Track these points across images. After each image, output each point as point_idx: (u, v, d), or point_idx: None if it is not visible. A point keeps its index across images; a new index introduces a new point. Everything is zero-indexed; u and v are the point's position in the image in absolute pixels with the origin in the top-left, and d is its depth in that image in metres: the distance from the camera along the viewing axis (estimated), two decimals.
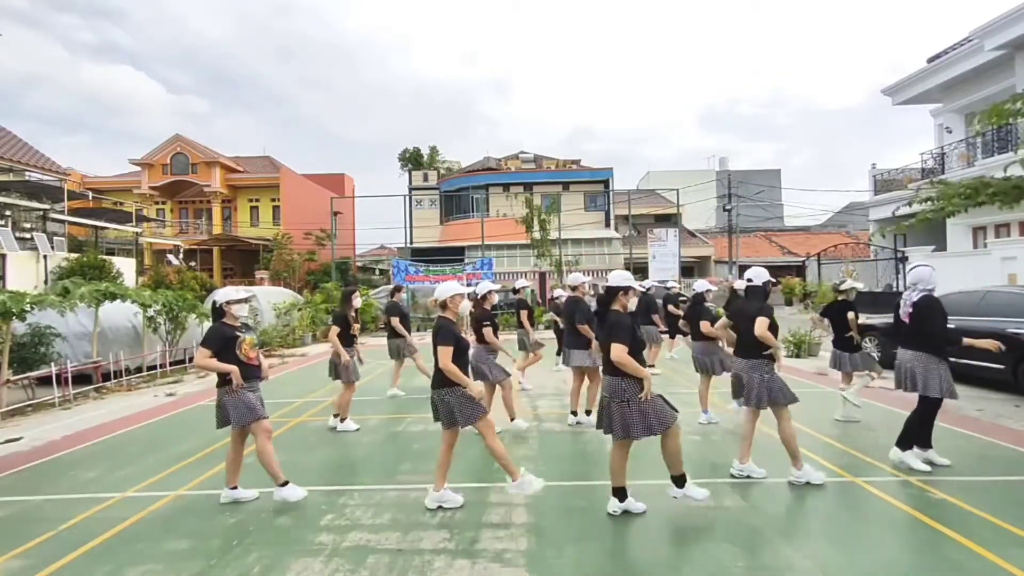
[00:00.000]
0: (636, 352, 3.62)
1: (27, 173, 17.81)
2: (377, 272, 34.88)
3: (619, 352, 3.54)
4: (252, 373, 4.16)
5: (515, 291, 8.74)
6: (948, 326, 4.50)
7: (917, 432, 4.64)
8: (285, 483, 4.15)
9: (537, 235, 21.45)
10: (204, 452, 5.49)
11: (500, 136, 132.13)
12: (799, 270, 29.01)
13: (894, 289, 18.11)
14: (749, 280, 4.55)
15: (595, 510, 3.89)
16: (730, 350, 7.45)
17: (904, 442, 4.58)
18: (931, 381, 4.42)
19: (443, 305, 4.07)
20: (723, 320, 4.81)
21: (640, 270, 24.05)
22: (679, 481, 3.81)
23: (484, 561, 3.18)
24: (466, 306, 4.21)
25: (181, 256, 26.88)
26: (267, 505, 4.09)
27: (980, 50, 15.18)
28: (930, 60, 17.70)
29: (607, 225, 30.41)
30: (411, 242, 28.50)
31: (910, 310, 4.53)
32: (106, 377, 9.42)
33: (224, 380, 4.08)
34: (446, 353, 3.83)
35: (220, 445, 5.68)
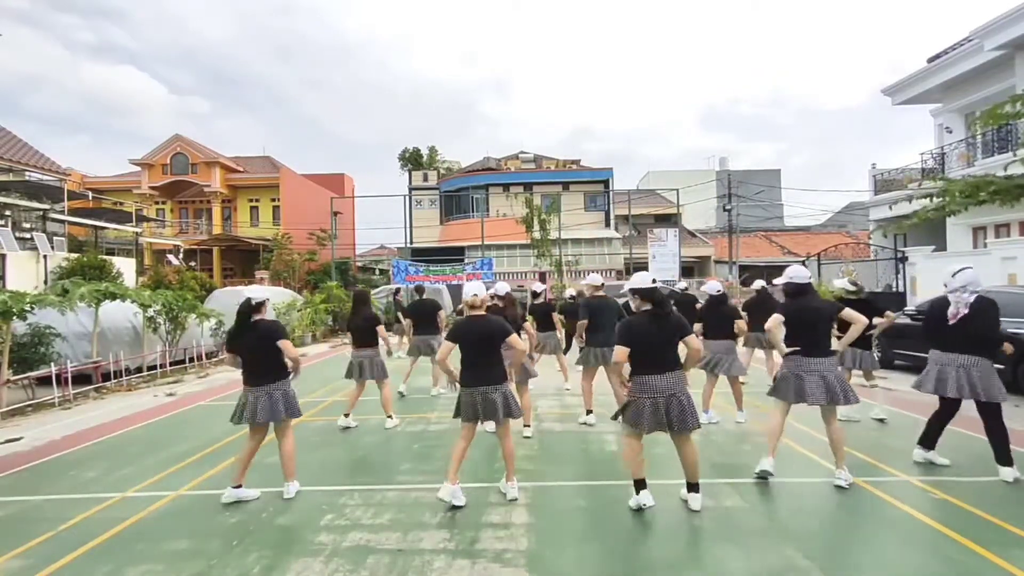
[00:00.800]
0: None
1: (27, 173, 17.82)
2: (377, 272, 34.87)
3: (699, 344, 3.87)
4: None
5: (535, 294, 8.84)
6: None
7: (934, 432, 4.65)
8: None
9: (537, 235, 21.47)
10: (204, 452, 5.49)
11: (500, 136, 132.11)
12: None
13: (894, 289, 18.10)
14: (809, 278, 4.49)
15: (595, 510, 3.89)
16: (744, 350, 7.35)
17: (1005, 458, 4.35)
18: (993, 387, 4.30)
19: (475, 305, 4.13)
20: (778, 318, 4.62)
21: (640, 270, 24.01)
22: (696, 488, 3.88)
23: (484, 561, 3.18)
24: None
25: (181, 256, 26.87)
26: (267, 505, 4.09)
27: (980, 50, 15.17)
28: (930, 60, 17.69)
29: (607, 225, 30.43)
30: (411, 242, 28.51)
31: (966, 311, 4.35)
32: (106, 377, 9.42)
33: (283, 373, 4.24)
34: (520, 343, 4.07)
35: (220, 445, 5.69)
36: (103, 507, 4.13)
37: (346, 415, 6.29)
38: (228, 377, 10.31)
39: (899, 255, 17.90)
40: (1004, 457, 4.31)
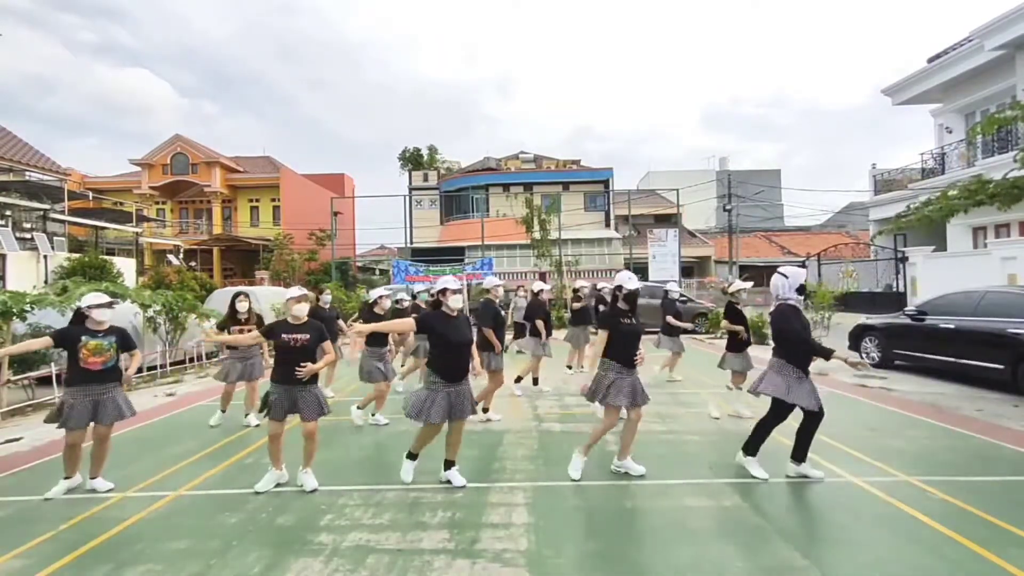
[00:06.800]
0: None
1: (27, 173, 17.82)
2: (377, 272, 34.89)
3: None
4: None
5: (536, 294, 8.71)
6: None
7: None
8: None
9: (537, 235, 21.44)
10: (204, 452, 5.49)
11: (501, 136, 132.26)
12: None
13: (894, 289, 18.10)
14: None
15: (595, 510, 3.89)
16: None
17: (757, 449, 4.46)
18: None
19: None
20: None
21: (640, 270, 24.06)
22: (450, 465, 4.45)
23: (484, 561, 3.19)
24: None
25: (181, 256, 26.89)
26: (267, 505, 4.09)
27: (980, 50, 15.19)
28: (930, 60, 17.70)
29: (607, 225, 30.42)
30: (411, 242, 28.50)
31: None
32: None
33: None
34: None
35: (220, 445, 5.69)
36: (103, 507, 4.13)
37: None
38: None
39: (899, 255, 17.89)
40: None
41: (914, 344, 8.92)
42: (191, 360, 11.59)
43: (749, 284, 6.70)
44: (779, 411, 4.35)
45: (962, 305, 8.14)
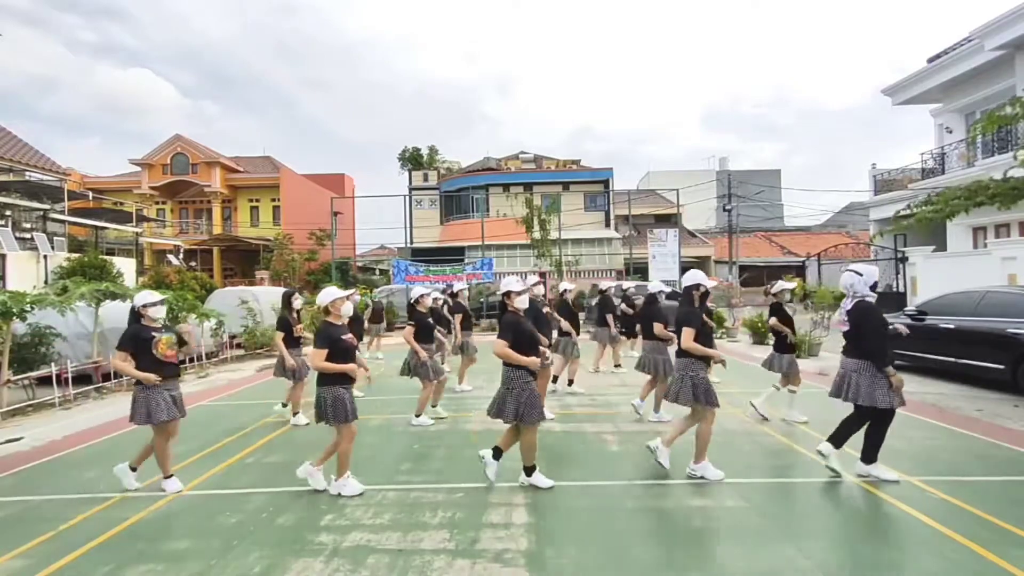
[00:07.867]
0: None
1: (27, 173, 17.81)
2: (377, 272, 34.88)
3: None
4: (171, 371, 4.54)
5: (562, 294, 8.66)
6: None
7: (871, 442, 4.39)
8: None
9: (537, 235, 21.43)
10: (204, 452, 5.49)
11: (501, 136, 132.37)
12: (799, 270, 29.01)
13: (894, 289, 18.09)
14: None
15: (595, 510, 3.89)
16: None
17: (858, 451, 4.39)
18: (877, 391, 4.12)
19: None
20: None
21: (640, 270, 24.07)
22: (530, 471, 4.29)
23: (484, 561, 3.18)
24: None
25: (181, 256, 26.90)
26: (267, 505, 4.09)
27: (980, 50, 15.17)
28: (930, 60, 17.68)
29: (607, 225, 30.42)
30: (411, 242, 28.50)
31: (845, 317, 4.31)
32: (106, 377, 9.41)
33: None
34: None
35: (220, 445, 5.70)
36: (103, 507, 4.13)
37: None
38: (228, 377, 10.31)
39: (899, 255, 17.89)
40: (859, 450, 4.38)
41: (914, 344, 8.90)
42: (191, 360, 11.59)
43: (792, 284, 6.62)
44: (863, 412, 4.32)
45: (962, 305, 8.13)
